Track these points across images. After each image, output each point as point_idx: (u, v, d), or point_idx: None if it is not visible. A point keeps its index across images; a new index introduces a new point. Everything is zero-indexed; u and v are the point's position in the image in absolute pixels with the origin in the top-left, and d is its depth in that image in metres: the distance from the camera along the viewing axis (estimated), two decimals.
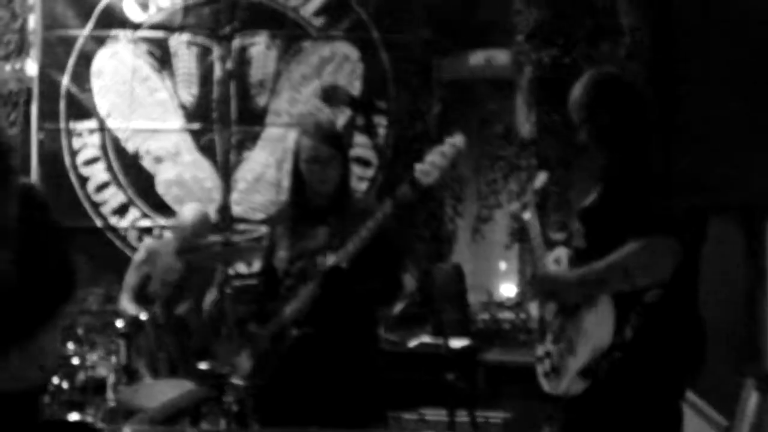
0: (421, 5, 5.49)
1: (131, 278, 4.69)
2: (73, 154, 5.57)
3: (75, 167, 5.56)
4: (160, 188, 5.57)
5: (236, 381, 3.53)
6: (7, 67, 5.55)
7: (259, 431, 3.28)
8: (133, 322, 4.23)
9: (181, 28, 5.61)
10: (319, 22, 5.62)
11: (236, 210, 5.58)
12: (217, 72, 5.61)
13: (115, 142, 5.58)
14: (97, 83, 5.57)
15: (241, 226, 5.55)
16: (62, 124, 5.55)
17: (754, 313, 3.44)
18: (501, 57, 5.51)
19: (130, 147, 5.58)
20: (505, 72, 5.53)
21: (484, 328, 5.20)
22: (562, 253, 2.68)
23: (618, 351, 2.38)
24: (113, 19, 5.57)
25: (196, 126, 5.59)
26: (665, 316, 2.42)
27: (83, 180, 5.54)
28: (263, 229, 5.42)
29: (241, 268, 5.43)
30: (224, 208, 5.56)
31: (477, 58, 5.58)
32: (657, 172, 2.50)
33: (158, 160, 5.58)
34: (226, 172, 5.58)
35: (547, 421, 2.64)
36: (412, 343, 4.44)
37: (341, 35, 5.59)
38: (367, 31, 5.58)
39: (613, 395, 2.42)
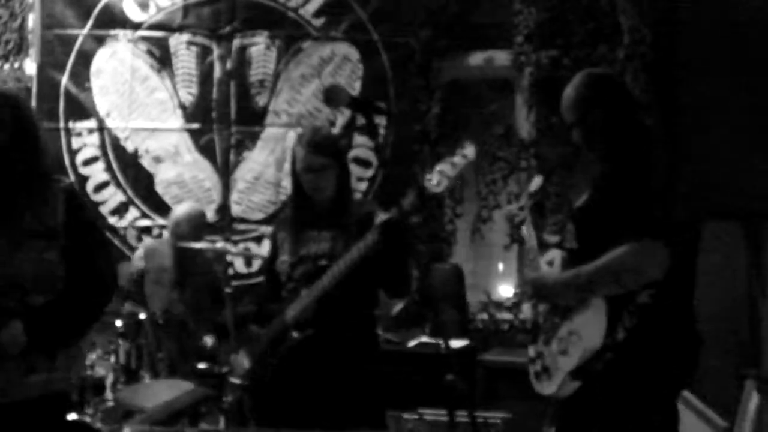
0: (421, 6, 5.48)
1: (129, 276, 4.69)
2: (72, 153, 5.56)
3: (74, 167, 5.55)
4: (160, 188, 5.56)
5: (234, 380, 3.53)
6: (6, 66, 5.55)
7: (258, 430, 3.27)
8: (132, 321, 4.22)
9: (181, 28, 5.61)
10: (319, 22, 5.62)
11: (236, 210, 5.57)
12: (217, 72, 5.60)
13: (115, 141, 5.57)
14: (96, 83, 5.57)
15: (241, 226, 5.54)
16: (61, 124, 5.54)
17: (755, 317, 3.44)
18: (501, 58, 5.51)
19: (129, 146, 5.58)
20: (505, 73, 5.53)
21: (483, 328, 5.20)
22: (555, 254, 2.69)
23: (610, 352, 2.38)
24: (113, 19, 5.57)
25: (195, 126, 5.59)
26: (658, 317, 2.42)
27: (82, 179, 5.53)
28: (263, 229, 5.42)
29: (241, 267, 5.43)
30: (224, 208, 5.55)
31: (477, 58, 5.58)
32: (657, 175, 2.50)
33: (157, 159, 5.57)
34: (226, 172, 5.57)
35: (548, 422, 2.64)
36: (411, 343, 4.44)
37: (341, 36, 5.59)
38: (367, 31, 5.58)
39: (606, 396, 2.42)
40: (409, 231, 4.68)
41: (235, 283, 4.63)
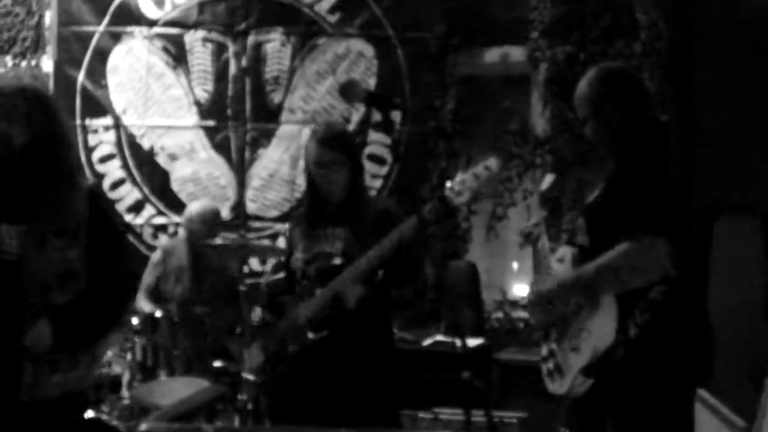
0: (436, 1, 5.46)
1: (148, 278, 4.73)
2: (89, 150, 5.59)
3: (90, 164, 5.58)
4: (175, 185, 5.58)
5: (247, 375, 3.55)
6: (23, 64, 5.57)
7: (273, 428, 3.28)
8: (148, 319, 4.24)
9: (196, 25, 5.61)
10: (333, 18, 5.61)
11: (251, 207, 5.58)
12: (232, 69, 5.61)
13: (131, 139, 5.59)
14: (112, 80, 5.59)
15: (256, 224, 5.55)
16: (78, 121, 5.56)
17: None
18: (516, 54, 5.49)
19: (145, 144, 5.60)
20: (520, 69, 5.50)
21: (499, 326, 5.18)
22: (566, 251, 2.68)
23: (622, 349, 2.37)
24: (128, 16, 5.58)
25: (211, 123, 5.60)
26: (670, 313, 2.40)
27: (99, 177, 5.54)
28: (278, 227, 5.43)
29: (255, 265, 5.44)
30: (239, 206, 5.56)
31: (492, 54, 5.56)
32: (674, 171, 2.48)
33: (173, 157, 5.58)
34: (241, 170, 5.58)
35: (562, 422, 2.63)
36: (427, 342, 4.44)
37: (356, 32, 5.58)
38: (381, 27, 5.56)
39: (619, 394, 2.40)
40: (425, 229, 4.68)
41: (250, 281, 4.63)
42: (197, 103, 5.61)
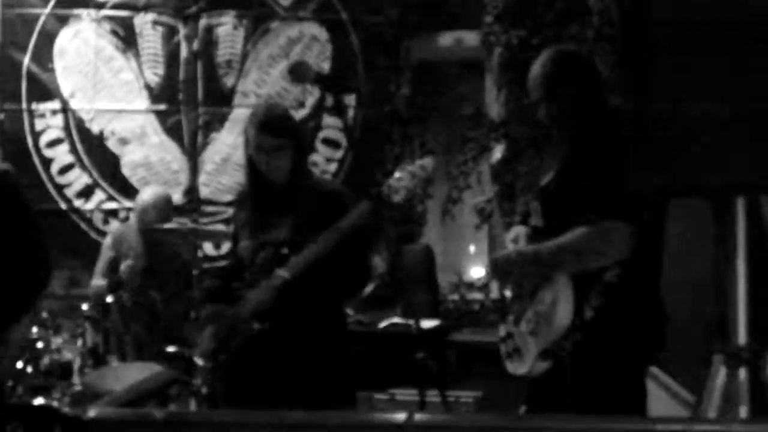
0: None
1: (101, 263, 4.66)
2: (36, 135, 5.46)
3: (38, 149, 5.45)
4: (126, 170, 5.49)
5: (199, 361, 3.51)
6: None
7: (224, 412, 3.24)
8: (99, 305, 4.17)
9: (146, 8, 5.51)
10: (287, 2, 5.56)
11: (204, 192, 5.51)
12: (184, 52, 5.53)
13: (79, 123, 5.48)
14: (59, 63, 5.46)
15: (209, 208, 5.49)
16: (24, 105, 5.43)
17: (724, 294, 3.48)
18: (470, 38, 5.50)
19: (94, 128, 5.49)
20: (475, 53, 5.51)
21: (454, 308, 5.21)
22: (520, 231, 2.69)
23: (579, 331, 2.39)
24: None
25: (162, 107, 5.51)
26: (625, 295, 2.43)
27: (47, 162, 5.43)
28: (231, 211, 5.37)
29: (209, 250, 5.38)
30: (191, 190, 5.49)
31: (446, 39, 5.57)
32: (627, 155, 2.50)
33: (124, 141, 5.49)
34: (194, 154, 5.51)
35: (523, 400, 2.66)
36: (383, 324, 4.44)
37: (310, 16, 5.53)
38: (335, 11, 5.53)
39: (574, 374, 2.43)
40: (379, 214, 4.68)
41: (204, 265, 4.58)
42: (148, 87, 5.51)
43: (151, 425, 2.19)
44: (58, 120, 5.47)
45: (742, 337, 3.18)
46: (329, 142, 5.50)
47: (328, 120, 5.49)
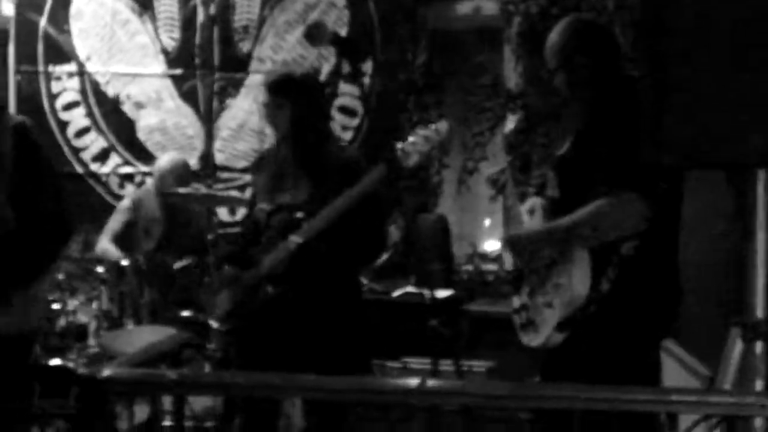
0: None
1: (114, 222, 4.66)
2: (52, 97, 5.46)
3: (54, 111, 5.45)
4: (142, 134, 5.48)
5: (213, 324, 3.54)
6: None
7: (235, 373, 3.26)
8: (114, 268, 4.19)
9: None
10: None
11: (219, 158, 5.51)
12: (200, 17, 5.49)
13: (95, 86, 5.47)
14: (75, 25, 5.44)
15: (224, 174, 5.49)
16: (40, 67, 5.42)
17: (742, 271, 3.46)
18: (489, 7, 5.44)
19: (110, 91, 5.48)
20: (493, 22, 5.45)
21: (468, 279, 5.20)
22: (536, 202, 2.68)
23: (595, 304, 2.38)
24: None
25: (178, 71, 5.49)
26: (641, 268, 2.42)
27: (63, 124, 5.44)
28: (247, 177, 5.36)
29: (224, 215, 5.39)
30: (206, 156, 5.49)
31: (465, 7, 5.51)
32: (644, 127, 2.47)
33: (139, 105, 5.48)
34: (209, 120, 5.50)
35: (537, 371, 2.66)
36: (397, 293, 4.45)
37: None
38: None
39: (589, 346, 2.43)
40: (395, 182, 4.67)
41: (219, 231, 4.59)
42: (164, 51, 5.49)
43: (163, 385, 2.20)
44: (75, 83, 5.47)
45: (759, 310, 3.17)
46: (346, 110, 5.47)
47: (345, 87, 5.46)
